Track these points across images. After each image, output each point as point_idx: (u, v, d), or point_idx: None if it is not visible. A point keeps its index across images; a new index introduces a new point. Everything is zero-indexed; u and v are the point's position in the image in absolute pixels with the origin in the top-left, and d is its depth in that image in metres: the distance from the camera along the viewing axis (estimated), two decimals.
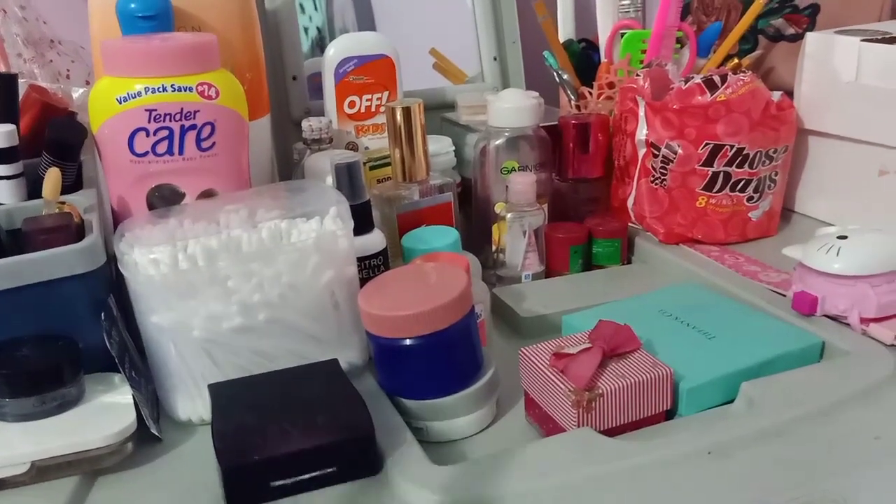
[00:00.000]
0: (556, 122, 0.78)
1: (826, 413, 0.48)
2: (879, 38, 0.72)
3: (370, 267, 0.61)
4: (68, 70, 0.77)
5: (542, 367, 0.50)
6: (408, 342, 0.50)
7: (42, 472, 0.45)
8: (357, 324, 0.54)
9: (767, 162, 0.72)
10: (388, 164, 0.74)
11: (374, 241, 0.61)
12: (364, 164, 0.73)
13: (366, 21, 1.04)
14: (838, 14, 0.84)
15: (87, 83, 0.76)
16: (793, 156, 0.77)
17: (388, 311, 0.50)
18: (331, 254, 0.53)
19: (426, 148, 0.70)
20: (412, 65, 0.91)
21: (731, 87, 0.69)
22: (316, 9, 1.00)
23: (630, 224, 0.77)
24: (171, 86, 0.55)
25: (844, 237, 0.58)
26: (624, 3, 0.87)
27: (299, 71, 0.86)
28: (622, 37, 0.83)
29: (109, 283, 0.53)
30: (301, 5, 0.97)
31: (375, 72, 0.79)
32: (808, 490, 0.42)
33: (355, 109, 0.79)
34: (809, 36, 0.76)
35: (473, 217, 0.78)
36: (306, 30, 1.00)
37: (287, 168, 0.82)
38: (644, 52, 0.82)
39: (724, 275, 0.68)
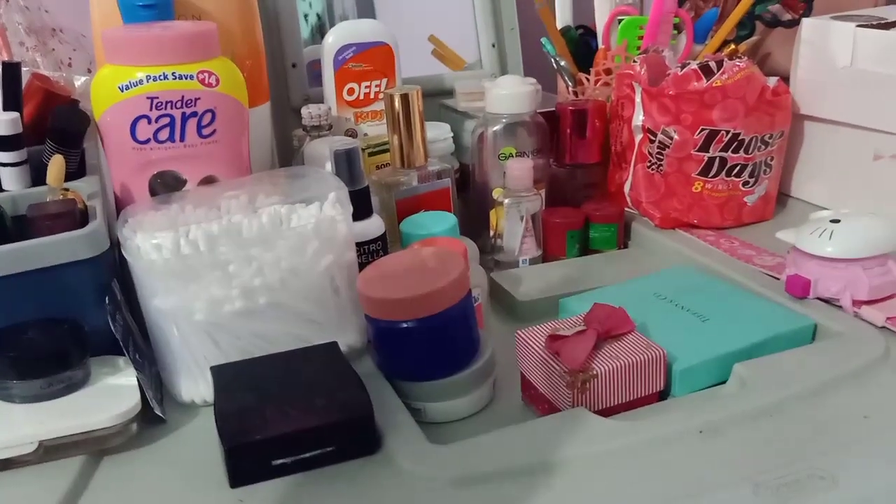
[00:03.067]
0: (553, 108, 0.79)
1: (816, 393, 0.49)
2: (875, 23, 0.72)
3: (369, 252, 0.62)
4: (70, 58, 0.78)
5: (537, 349, 0.51)
6: (405, 325, 0.51)
7: (49, 451, 0.46)
8: (356, 308, 0.55)
9: (763, 147, 0.73)
10: (387, 150, 0.74)
11: (373, 226, 0.62)
12: (363, 150, 0.74)
13: (365, 7, 1.04)
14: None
15: (89, 71, 0.77)
16: (789, 140, 0.77)
17: (387, 294, 0.51)
18: (330, 239, 0.54)
19: (424, 134, 0.70)
20: (411, 51, 0.92)
21: (727, 73, 0.70)
22: None
23: (626, 209, 0.77)
24: (173, 73, 0.55)
25: (837, 221, 0.59)
26: None
27: (299, 58, 0.87)
28: (619, 23, 0.84)
29: (113, 267, 0.54)
30: None
31: (374, 59, 0.79)
32: (797, 468, 0.43)
33: (354, 96, 0.80)
34: (805, 21, 0.77)
35: (471, 202, 0.79)
36: (306, 16, 1.00)
37: (287, 154, 0.82)
38: (641, 38, 0.82)
39: (719, 259, 0.68)
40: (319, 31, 1.00)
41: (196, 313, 0.50)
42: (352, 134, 0.80)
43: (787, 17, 0.88)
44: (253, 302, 0.51)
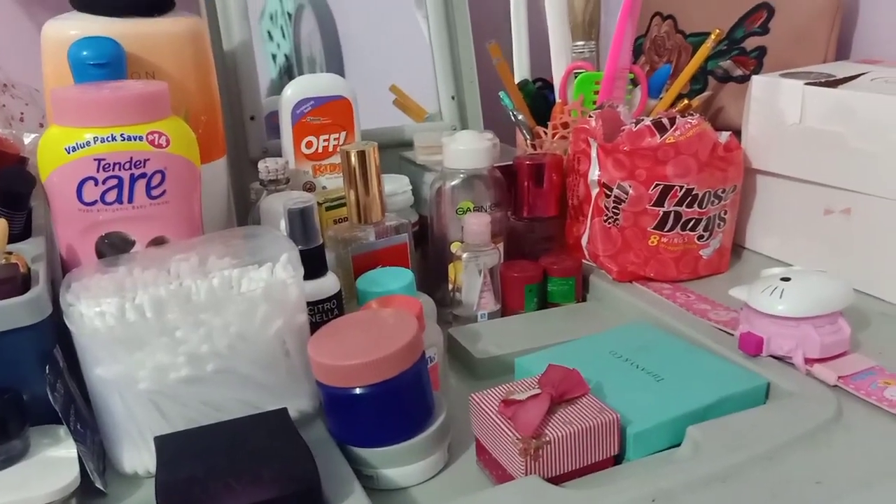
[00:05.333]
0: (511, 162, 0.79)
1: (769, 457, 0.49)
2: (822, 81, 0.74)
3: (323, 311, 0.61)
4: (22, 113, 0.76)
5: (491, 414, 0.51)
6: (357, 391, 0.50)
7: None
8: (308, 371, 0.54)
9: (716, 201, 0.74)
10: (345, 204, 0.74)
11: (327, 284, 0.62)
12: (321, 204, 0.74)
13: (333, 50, 1.05)
14: (785, 55, 0.87)
15: (41, 126, 0.76)
16: (742, 194, 0.79)
17: (337, 359, 0.50)
18: (280, 303, 0.53)
19: (381, 189, 0.70)
20: (376, 98, 0.92)
21: (680, 130, 0.71)
22: (284, 37, 1.01)
23: (584, 262, 0.78)
24: (121, 135, 0.55)
25: (788, 279, 0.60)
26: (578, 44, 0.88)
27: (257, 111, 0.86)
28: (576, 77, 0.85)
29: (56, 332, 0.52)
30: (269, 33, 0.98)
31: (333, 112, 0.79)
32: None
33: (312, 149, 0.80)
34: (755, 79, 0.78)
35: (430, 256, 0.79)
36: (274, 57, 1.01)
37: (245, 208, 0.82)
38: (597, 93, 0.83)
39: (675, 313, 0.69)
40: (287, 73, 1.01)
41: (140, 382, 0.49)
42: (309, 187, 0.80)
43: (739, 72, 0.90)
44: (200, 368, 0.50)
